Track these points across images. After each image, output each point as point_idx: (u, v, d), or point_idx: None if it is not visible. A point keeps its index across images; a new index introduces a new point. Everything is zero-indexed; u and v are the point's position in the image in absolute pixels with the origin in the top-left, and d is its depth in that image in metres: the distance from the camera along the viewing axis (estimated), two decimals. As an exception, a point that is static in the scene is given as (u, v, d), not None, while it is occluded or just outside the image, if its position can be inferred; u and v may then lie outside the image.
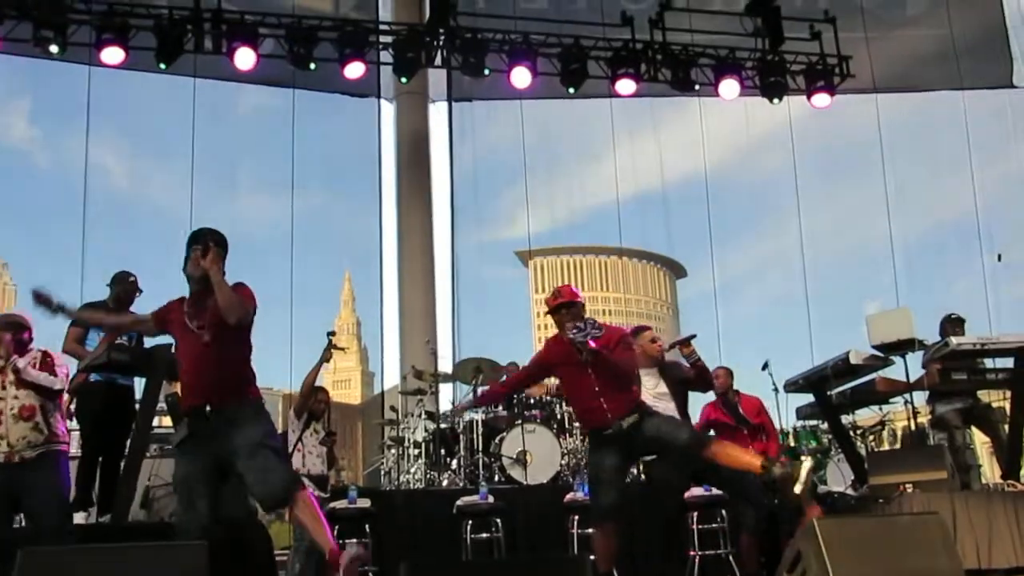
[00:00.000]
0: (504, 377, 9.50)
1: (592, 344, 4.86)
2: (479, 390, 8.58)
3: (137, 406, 6.58)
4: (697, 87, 10.67)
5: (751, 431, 6.98)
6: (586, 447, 9.11)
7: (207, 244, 4.22)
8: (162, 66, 9.27)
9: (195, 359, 4.23)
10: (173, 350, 4.50)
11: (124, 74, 11.05)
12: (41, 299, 4.42)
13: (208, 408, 4.18)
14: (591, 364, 4.92)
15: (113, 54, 9.05)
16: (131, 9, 9.10)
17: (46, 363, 4.99)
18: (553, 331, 5.28)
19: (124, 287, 6.74)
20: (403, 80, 10.63)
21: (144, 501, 7.31)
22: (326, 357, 6.68)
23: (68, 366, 5.24)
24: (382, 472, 9.86)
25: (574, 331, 4.87)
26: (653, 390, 6.01)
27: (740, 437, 6.91)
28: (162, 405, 7.37)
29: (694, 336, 6.14)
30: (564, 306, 5.10)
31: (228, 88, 12.68)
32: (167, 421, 8.41)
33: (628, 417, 4.90)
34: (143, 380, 6.52)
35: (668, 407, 6.00)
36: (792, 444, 9.63)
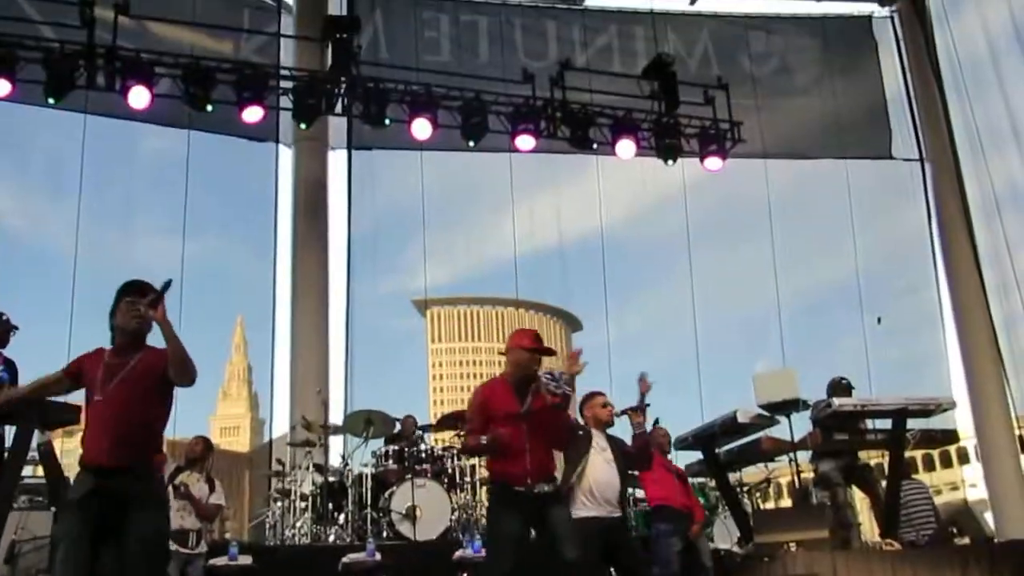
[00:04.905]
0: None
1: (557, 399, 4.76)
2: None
3: (6, 454, 6.24)
4: (595, 146, 10.89)
5: (682, 482, 7.16)
6: (484, 501, 9.05)
7: (158, 295, 3.86)
8: (51, 101, 8.97)
9: (113, 415, 3.86)
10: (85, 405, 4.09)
11: (12, 107, 10.63)
12: None
13: (114, 469, 3.83)
14: (528, 419, 4.75)
15: (-1, 86, 8.72)
16: (19, 40, 8.79)
17: None
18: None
19: None
20: (303, 126, 10.55)
21: (9, 556, 6.92)
22: None
23: None
24: (267, 525, 9.56)
25: (549, 379, 4.79)
26: (603, 453, 5.82)
27: (675, 484, 7.04)
28: (33, 454, 7.01)
29: (648, 405, 5.94)
30: (544, 352, 4.84)
31: (121, 126, 12.24)
32: (39, 471, 8.01)
33: (545, 484, 4.80)
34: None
35: (612, 472, 5.83)
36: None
